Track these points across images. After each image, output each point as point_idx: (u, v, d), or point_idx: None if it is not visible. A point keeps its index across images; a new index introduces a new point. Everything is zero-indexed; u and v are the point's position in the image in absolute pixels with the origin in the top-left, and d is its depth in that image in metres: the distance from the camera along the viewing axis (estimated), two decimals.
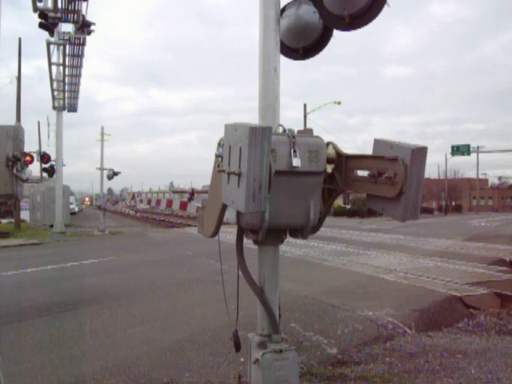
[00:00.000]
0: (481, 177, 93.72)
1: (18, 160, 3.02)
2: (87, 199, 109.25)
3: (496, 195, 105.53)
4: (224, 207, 3.54)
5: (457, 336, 7.07)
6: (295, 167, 3.31)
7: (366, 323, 7.44)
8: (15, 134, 3.02)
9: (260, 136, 2.87)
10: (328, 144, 3.69)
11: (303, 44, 4.44)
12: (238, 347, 3.94)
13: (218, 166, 3.41)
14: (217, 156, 3.46)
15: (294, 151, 3.33)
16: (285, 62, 4.12)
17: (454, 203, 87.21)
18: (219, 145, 3.46)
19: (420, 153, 3.17)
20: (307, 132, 3.64)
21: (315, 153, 3.45)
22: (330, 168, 3.72)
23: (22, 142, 3.11)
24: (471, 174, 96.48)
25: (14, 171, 3.02)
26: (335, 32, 4.26)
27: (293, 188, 3.42)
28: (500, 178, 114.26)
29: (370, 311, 8.04)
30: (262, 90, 3.79)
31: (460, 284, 10.46)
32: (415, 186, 3.18)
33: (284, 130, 3.49)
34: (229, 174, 3.11)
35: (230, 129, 3.15)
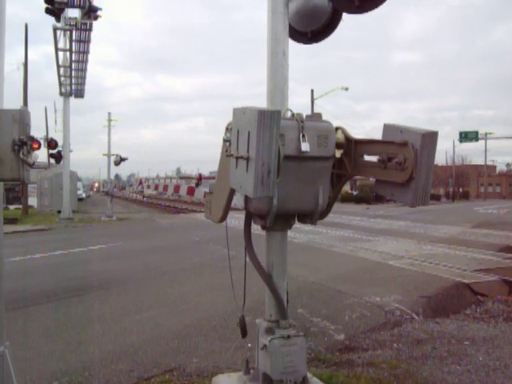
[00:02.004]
0: (489, 163, 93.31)
1: (25, 144, 2.99)
2: (97, 184, 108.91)
3: (504, 182, 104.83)
4: (232, 192, 3.51)
5: (464, 323, 7.05)
6: (304, 152, 3.27)
7: (373, 309, 7.43)
8: (21, 117, 2.99)
9: (269, 120, 2.84)
10: (337, 129, 3.65)
11: (312, 27, 4.36)
12: (244, 333, 3.93)
13: (226, 150, 3.38)
14: (225, 140, 3.42)
15: (303, 136, 3.29)
16: (292, 47, 4.06)
17: (461, 190, 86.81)
18: (227, 129, 3.42)
19: (430, 137, 3.12)
20: (316, 116, 3.60)
21: (324, 137, 3.41)
22: (338, 153, 3.68)
23: (29, 125, 3.09)
24: (479, 161, 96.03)
25: (21, 155, 2.99)
26: (344, 15, 4.19)
27: (301, 173, 3.39)
28: (508, 164, 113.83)
29: (377, 297, 8.03)
30: (271, 73, 3.74)
31: (468, 271, 10.42)
32: (425, 171, 3.14)
33: (292, 115, 3.45)
34: (237, 158, 3.07)
35: (239, 112, 3.11)
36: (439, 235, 18.15)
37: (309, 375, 3.80)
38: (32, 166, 3.12)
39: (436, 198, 67.90)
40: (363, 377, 4.80)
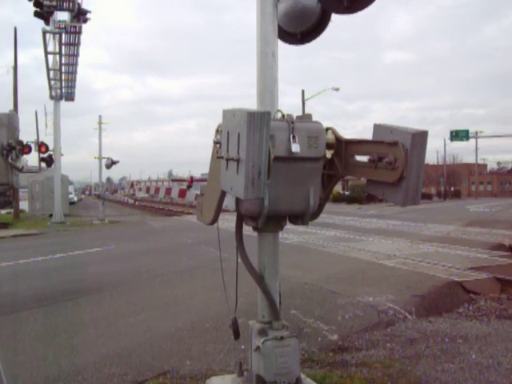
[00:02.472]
0: (480, 162, 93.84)
1: (13, 148, 2.97)
2: (87, 193, 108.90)
3: (495, 180, 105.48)
4: (223, 194, 3.51)
5: (457, 321, 7.07)
6: (294, 153, 3.27)
7: (366, 309, 7.44)
8: (9, 121, 2.97)
9: (259, 121, 2.83)
10: (327, 129, 3.66)
11: (301, 28, 4.37)
12: (236, 335, 3.92)
13: (217, 152, 3.38)
14: (215, 142, 3.42)
15: (293, 137, 3.29)
16: (283, 48, 4.06)
17: (452, 189, 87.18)
18: (217, 131, 3.41)
19: (420, 137, 3.14)
20: (306, 117, 3.60)
21: (314, 138, 3.41)
22: (329, 153, 3.69)
23: (17, 130, 3.07)
24: (470, 160, 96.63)
25: (9, 160, 2.97)
26: (334, 16, 4.20)
27: (292, 174, 3.39)
28: (499, 163, 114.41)
29: (370, 297, 8.04)
30: (260, 75, 3.74)
31: (460, 269, 10.46)
32: (416, 170, 3.15)
33: (283, 116, 3.46)
34: (227, 160, 3.07)
35: (229, 114, 3.11)
36: (431, 234, 18.21)
37: (302, 376, 3.79)
38: (21, 170, 3.10)
39: (428, 197, 68.17)
40: (357, 377, 4.80)
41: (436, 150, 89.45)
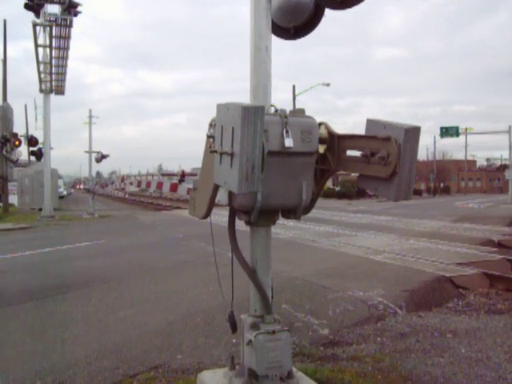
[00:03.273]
0: (469, 158, 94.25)
1: (8, 141, 2.95)
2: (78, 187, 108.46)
3: (484, 177, 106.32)
4: (216, 188, 3.51)
5: (447, 316, 7.12)
6: (288, 147, 3.28)
7: (356, 304, 7.47)
8: (4, 114, 2.95)
9: (253, 115, 2.84)
10: (320, 124, 3.67)
11: (294, 23, 4.37)
12: (234, 329, 3.93)
13: (210, 146, 3.38)
14: (208, 137, 3.42)
15: (287, 131, 3.30)
16: (276, 43, 4.06)
17: (442, 185, 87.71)
18: (211, 125, 3.42)
19: (413, 132, 3.16)
20: (299, 112, 3.61)
21: (307, 133, 3.43)
22: (322, 148, 3.70)
23: (12, 122, 3.04)
24: (460, 156, 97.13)
25: (4, 152, 2.95)
26: (327, 11, 4.21)
27: (285, 168, 3.40)
28: (488, 159, 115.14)
29: (360, 292, 8.08)
30: (254, 69, 3.74)
31: (449, 264, 10.52)
32: (408, 165, 3.17)
33: (276, 110, 3.47)
34: (221, 154, 3.08)
35: (223, 108, 3.11)
36: (421, 229, 18.30)
37: (294, 370, 3.82)
38: (15, 162, 3.08)
39: (418, 193, 68.54)
40: (348, 371, 4.83)
41: (426, 147, 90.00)
